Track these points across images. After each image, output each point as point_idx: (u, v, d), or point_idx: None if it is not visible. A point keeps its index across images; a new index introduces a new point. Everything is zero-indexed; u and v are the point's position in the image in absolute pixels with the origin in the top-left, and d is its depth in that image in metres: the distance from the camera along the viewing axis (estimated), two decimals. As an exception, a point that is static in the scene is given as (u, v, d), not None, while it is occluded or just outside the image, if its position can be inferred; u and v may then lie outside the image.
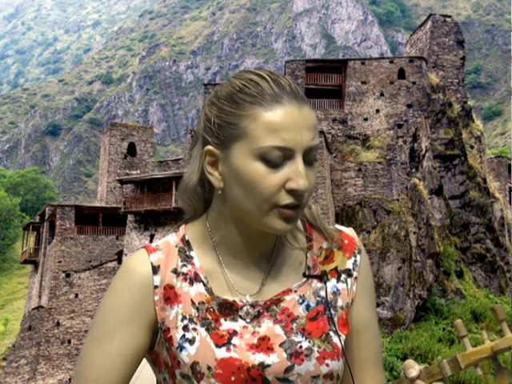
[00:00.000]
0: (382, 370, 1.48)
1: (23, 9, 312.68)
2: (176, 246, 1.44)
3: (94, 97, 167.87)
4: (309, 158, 1.34)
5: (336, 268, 1.45)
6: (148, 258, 1.41)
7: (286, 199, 1.31)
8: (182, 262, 1.42)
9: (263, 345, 1.34)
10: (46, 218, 49.49)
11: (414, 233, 40.30)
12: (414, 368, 1.25)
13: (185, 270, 1.41)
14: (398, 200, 40.28)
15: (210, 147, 1.39)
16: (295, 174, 1.31)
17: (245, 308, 1.38)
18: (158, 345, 1.39)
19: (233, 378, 1.30)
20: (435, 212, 44.04)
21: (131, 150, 55.16)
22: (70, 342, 43.51)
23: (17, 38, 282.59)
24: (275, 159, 1.31)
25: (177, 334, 1.36)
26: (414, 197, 41.32)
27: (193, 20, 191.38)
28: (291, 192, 1.31)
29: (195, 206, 1.47)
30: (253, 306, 1.38)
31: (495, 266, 46.97)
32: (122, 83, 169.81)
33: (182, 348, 1.34)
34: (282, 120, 1.31)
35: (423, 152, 43.93)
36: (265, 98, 1.33)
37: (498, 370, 1.23)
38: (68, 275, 44.68)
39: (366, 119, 44.56)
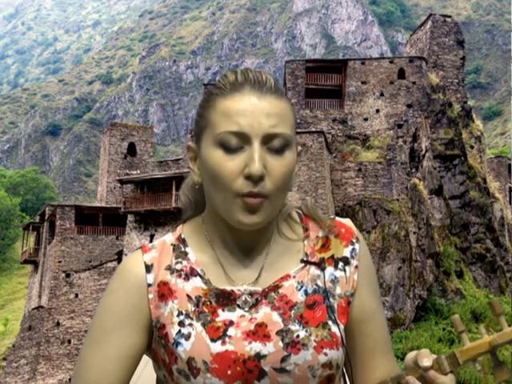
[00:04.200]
0: (392, 357, 1.47)
1: (23, 9, 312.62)
2: (171, 244, 1.45)
3: (94, 97, 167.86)
4: (273, 147, 1.34)
5: (333, 256, 1.45)
6: (142, 257, 1.42)
7: (245, 187, 1.31)
8: (176, 258, 1.43)
9: (260, 331, 1.34)
10: (46, 218, 49.47)
11: (414, 233, 40.30)
12: (428, 358, 1.24)
13: (179, 266, 1.42)
14: (398, 200, 40.28)
15: (189, 143, 1.45)
16: (250, 159, 1.31)
17: (243, 297, 1.37)
18: (154, 343, 1.40)
19: (229, 372, 1.30)
20: (435, 212, 44.04)
21: (131, 150, 55.15)
22: (70, 342, 43.50)
23: (17, 38, 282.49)
24: (232, 145, 1.32)
25: (172, 330, 1.36)
26: (414, 197, 41.32)
27: (193, 20, 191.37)
28: (248, 178, 1.31)
29: (197, 202, 1.50)
30: (251, 294, 1.38)
31: (495, 266, 46.97)
32: (122, 83, 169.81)
33: (177, 344, 1.34)
34: (238, 107, 1.33)
35: (423, 152, 43.93)
36: (226, 88, 1.37)
37: (496, 365, 1.23)
38: (68, 275, 44.67)
39: (366, 119, 44.55)
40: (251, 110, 1.33)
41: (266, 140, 1.33)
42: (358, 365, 1.45)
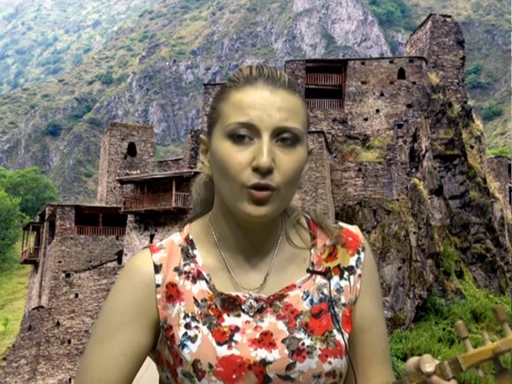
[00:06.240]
0: (389, 367, 1.47)
1: (23, 9, 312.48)
2: (179, 246, 1.45)
3: (94, 97, 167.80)
4: (284, 140, 1.34)
5: (339, 265, 1.45)
6: (151, 257, 1.42)
7: (252, 179, 1.31)
8: (184, 260, 1.43)
9: (265, 340, 1.34)
10: (46, 218, 49.44)
11: (414, 233, 40.28)
12: (430, 363, 1.23)
13: (187, 268, 1.42)
14: (398, 200, 40.26)
15: (201, 135, 1.45)
16: (258, 151, 1.31)
17: (248, 302, 1.38)
18: (159, 343, 1.40)
19: (234, 376, 1.31)
20: (435, 212, 44.02)
21: (131, 150, 55.13)
22: (69, 341, 43.46)
23: (17, 38, 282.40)
24: (241, 136, 1.33)
25: (179, 332, 1.36)
26: (414, 197, 41.30)
27: (193, 20, 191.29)
28: (256, 170, 1.31)
29: (207, 198, 1.50)
30: (256, 300, 1.38)
31: (495, 266, 46.95)
32: (122, 83, 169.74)
33: (183, 346, 1.35)
34: (250, 99, 1.34)
35: (423, 152, 43.92)
36: (240, 81, 1.38)
37: (499, 371, 1.22)
38: (68, 275, 44.63)
39: (366, 119, 44.54)
40: (262, 103, 1.33)
41: (276, 133, 1.33)
42: (355, 373, 1.44)
